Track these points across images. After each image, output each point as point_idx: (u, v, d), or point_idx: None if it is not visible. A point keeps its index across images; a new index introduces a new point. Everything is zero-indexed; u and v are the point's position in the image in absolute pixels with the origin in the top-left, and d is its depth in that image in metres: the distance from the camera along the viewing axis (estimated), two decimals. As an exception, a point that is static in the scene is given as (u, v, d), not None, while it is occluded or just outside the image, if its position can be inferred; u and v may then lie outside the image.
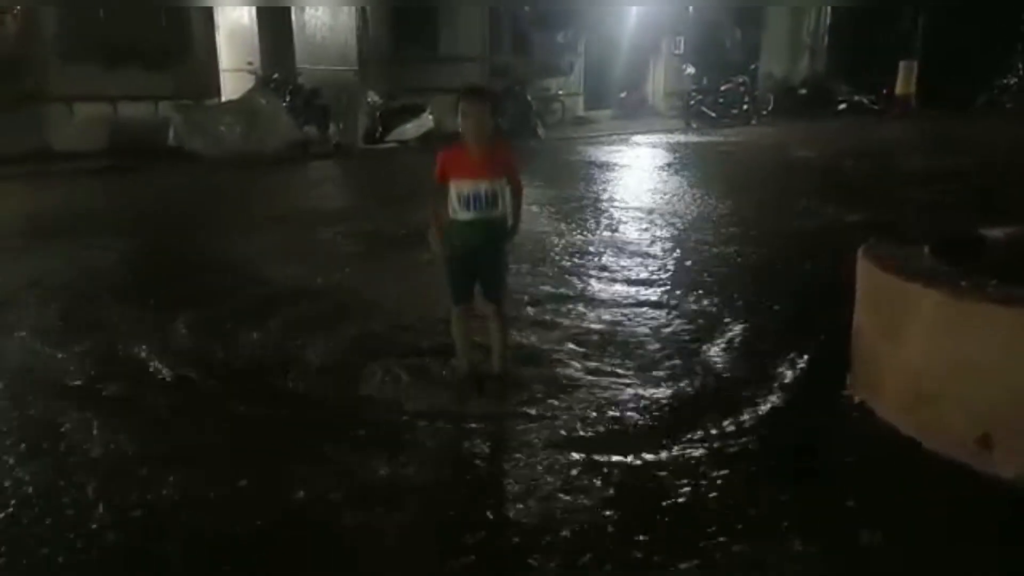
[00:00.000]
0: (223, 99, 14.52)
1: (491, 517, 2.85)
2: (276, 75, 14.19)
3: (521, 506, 2.90)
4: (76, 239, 7.45)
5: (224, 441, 3.47)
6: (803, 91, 19.52)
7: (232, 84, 14.78)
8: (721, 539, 2.68)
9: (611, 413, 3.62)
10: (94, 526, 2.81)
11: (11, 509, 2.92)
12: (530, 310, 5.05)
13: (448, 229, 3.54)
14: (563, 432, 3.45)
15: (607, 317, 4.97)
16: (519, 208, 3.62)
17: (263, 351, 4.50)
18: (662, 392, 3.85)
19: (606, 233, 7.33)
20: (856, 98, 18.95)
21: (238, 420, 3.67)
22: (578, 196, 9.29)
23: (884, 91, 18.68)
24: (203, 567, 2.63)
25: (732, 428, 3.49)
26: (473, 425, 3.52)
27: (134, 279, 6.19)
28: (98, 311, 5.26)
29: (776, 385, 3.93)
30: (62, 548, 2.69)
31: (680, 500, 2.94)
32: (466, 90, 3.47)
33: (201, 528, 2.80)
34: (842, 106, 18.92)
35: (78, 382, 4.10)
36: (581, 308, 5.14)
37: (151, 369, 4.26)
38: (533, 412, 3.63)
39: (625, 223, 7.75)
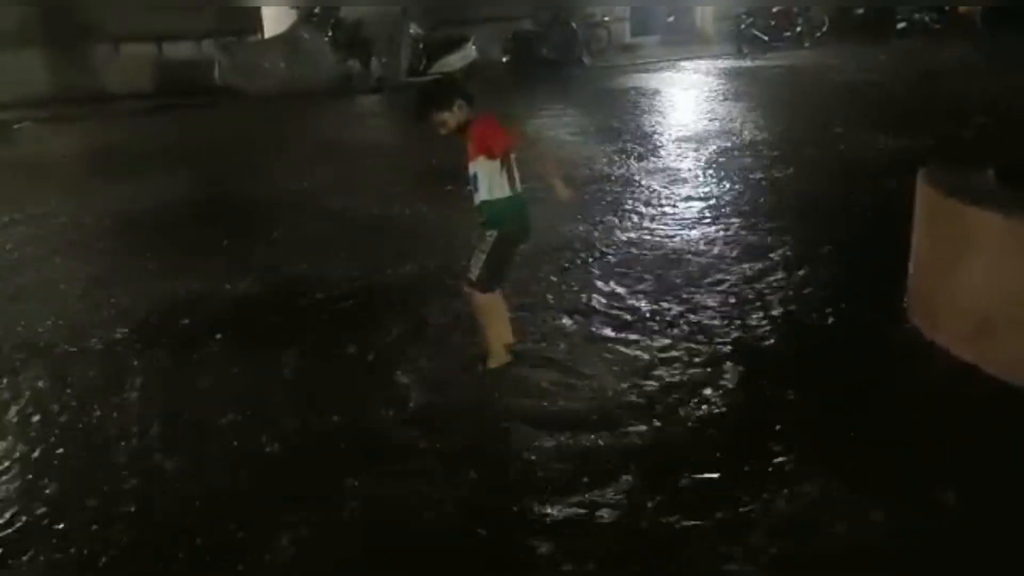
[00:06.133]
0: (265, 35, 14.49)
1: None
2: (317, 9, 14.06)
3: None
4: (142, 176, 7.77)
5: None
6: (860, 11, 18.64)
7: (273, 18, 14.71)
8: (767, 465, 2.70)
9: (662, 334, 3.63)
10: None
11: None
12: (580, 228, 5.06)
13: None
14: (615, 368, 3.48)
15: (653, 241, 4.94)
16: (544, 166, 3.38)
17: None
18: (711, 317, 3.84)
19: (651, 161, 7.22)
20: (916, 17, 18.06)
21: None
22: (622, 124, 9.12)
23: (947, 9, 17.76)
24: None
25: (782, 356, 3.48)
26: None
27: (202, 212, 6.47)
28: (180, 242, 5.59)
29: (830, 312, 3.88)
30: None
31: (731, 421, 2.96)
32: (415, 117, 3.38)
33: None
34: (901, 26, 18.05)
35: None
36: (622, 234, 5.12)
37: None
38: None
39: (670, 151, 7.61)
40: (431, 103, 3.33)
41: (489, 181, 3.30)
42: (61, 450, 3.05)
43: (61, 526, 2.59)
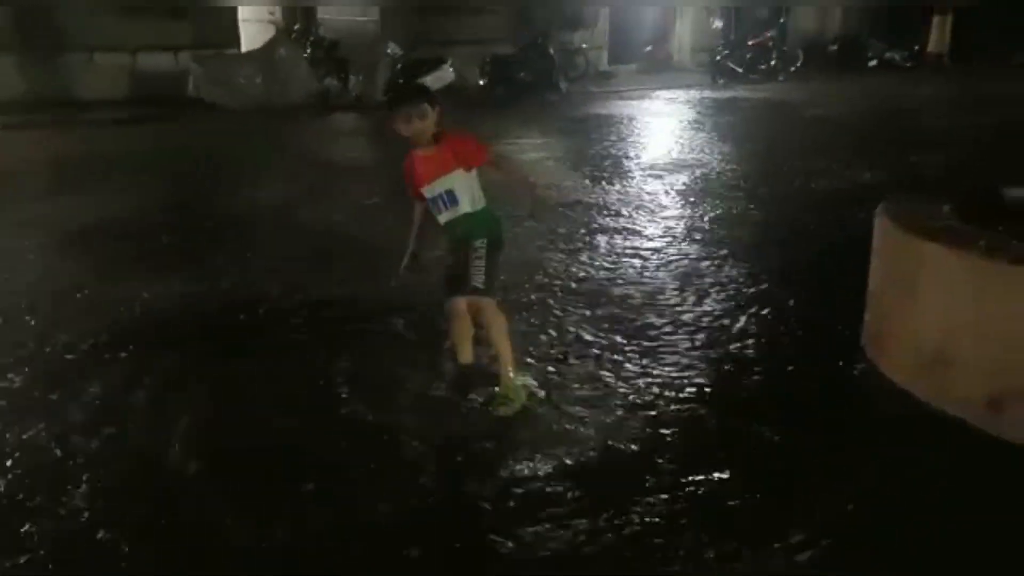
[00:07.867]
0: (243, 50, 14.46)
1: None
2: (296, 26, 14.09)
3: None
4: (111, 186, 7.75)
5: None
6: (834, 47, 19.05)
7: (252, 35, 14.69)
8: (719, 506, 2.69)
9: (621, 367, 3.63)
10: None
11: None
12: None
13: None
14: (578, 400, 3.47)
15: (615, 270, 4.96)
16: (518, 180, 3.45)
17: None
18: (665, 347, 3.85)
19: (621, 188, 7.26)
20: (888, 55, 18.48)
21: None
22: (597, 151, 9.19)
23: (917, 48, 18.20)
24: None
25: (737, 392, 3.47)
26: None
27: (169, 224, 6.41)
28: (143, 253, 5.56)
29: (785, 345, 3.90)
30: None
31: (680, 453, 2.96)
32: (392, 99, 3.34)
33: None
34: (873, 63, 18.47)
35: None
36: (586, 261, 5.14)
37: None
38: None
39: (641, 179, 7.66)
40: (408, 93, 3.31)
41: (471, 193, 3.32)
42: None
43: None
